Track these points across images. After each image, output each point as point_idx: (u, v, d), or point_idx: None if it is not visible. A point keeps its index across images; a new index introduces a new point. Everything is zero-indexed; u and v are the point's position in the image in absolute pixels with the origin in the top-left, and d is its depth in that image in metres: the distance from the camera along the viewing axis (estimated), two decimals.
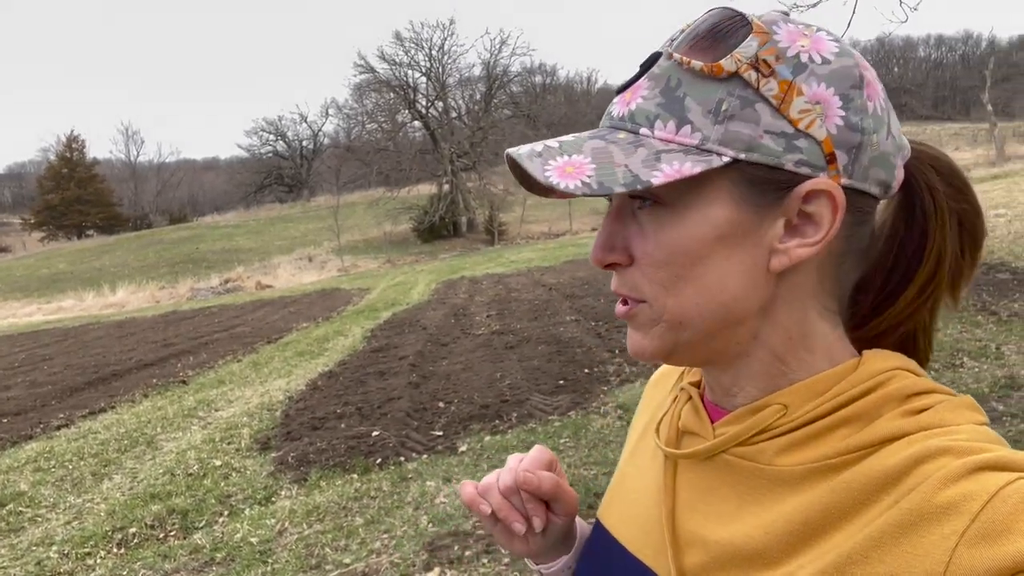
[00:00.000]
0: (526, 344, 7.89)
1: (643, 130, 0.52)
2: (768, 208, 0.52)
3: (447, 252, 31.65)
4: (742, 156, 0.50)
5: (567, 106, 57.05)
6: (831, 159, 0.51)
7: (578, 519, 0.76)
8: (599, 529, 0.69)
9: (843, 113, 0.51)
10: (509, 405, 5.68)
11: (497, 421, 5.37)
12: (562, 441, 4.80)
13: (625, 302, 0.57)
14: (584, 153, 0.53)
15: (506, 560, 3.37)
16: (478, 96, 42.82)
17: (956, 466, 0.44)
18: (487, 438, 5.07)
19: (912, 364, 0.55)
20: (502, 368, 6.90)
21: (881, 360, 0.54)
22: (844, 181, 0.51)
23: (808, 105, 0.50)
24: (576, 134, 0.56)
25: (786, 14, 0.55)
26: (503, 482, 0.68)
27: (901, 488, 0.46)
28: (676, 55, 0.53)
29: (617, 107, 0.55)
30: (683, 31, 0.55)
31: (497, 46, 42.46)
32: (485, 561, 3.39)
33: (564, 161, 0.52)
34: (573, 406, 5.51)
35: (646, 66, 0.55)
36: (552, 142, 0.55)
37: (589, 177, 0.51)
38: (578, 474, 4.20)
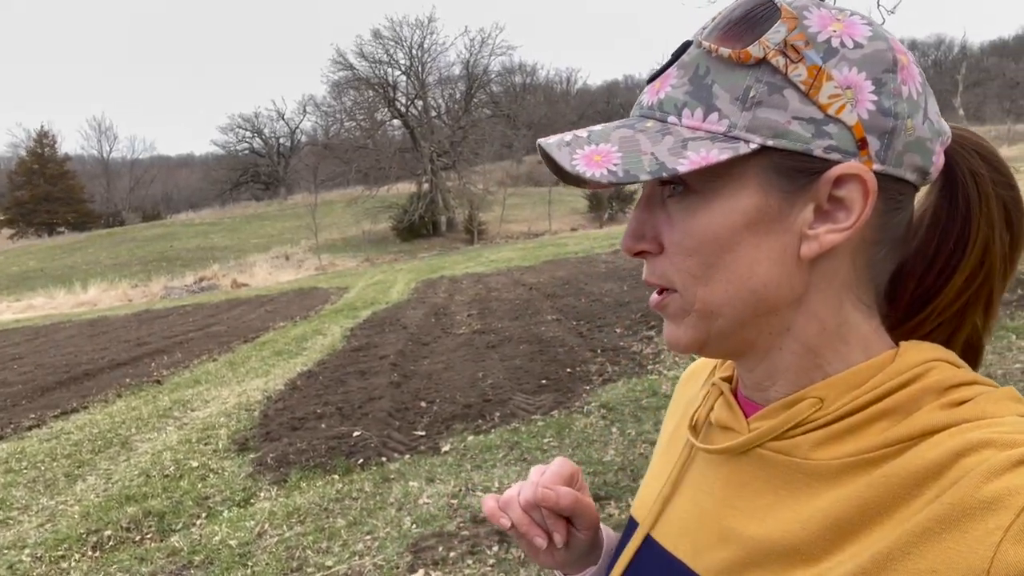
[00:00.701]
0: (508, 344, 7.86)
1: (671, 118, 0.52)
2: (797, 194, 0.51)
3: (426, 251, 31.53)
4: (770, 142, 0.50)
5: (547, 106, 57.13)
6: (862, 144, 0.50)
7: (604, 527, 0.76)
8: (632, 524, 0.68)
9: (875, 98, 0.50)
10: (492, 405, 5.65)
11: (480, 421, 5.34)
12: (545, 441, 4.78)
13: (659, 292, 0.57)
14: (611, 142, 0.53)
15: (491, 561, 3.34)
16: (458, 95, 42.72)
17: (1000, 459, 0.43)
18: (470, 438, 5.03)
19: (951, 355, 0.54)
20: (484, 368, 6.87)
21: (919, 351, 0.53)
22: (876, 167, 0.50)
23: (838, 90, 0.49)
24: (606, 124, 0.56)
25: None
26: (524, 497, 0.69)
27: (942, 482, 0.45)
28: (705, 43, 0.52)
29: (647, 96, 0.55)
30: (714, 19, 0.54)
31: (477, 45, 42.42)
32: (470, 562, 3.36)
33: (591, 150, 0.52)
34: (556, 405, 5.50)
35: (677, 55, 0.54)
36: (581, 132, 0.55)
37: (615, 165, 0.51)
38: None
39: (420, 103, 41.05)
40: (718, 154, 0.49)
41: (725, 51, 0.51)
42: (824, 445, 0.52)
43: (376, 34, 39.37)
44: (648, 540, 0.64)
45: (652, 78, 0.56)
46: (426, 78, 40.80)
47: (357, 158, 39.00)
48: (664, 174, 0.50)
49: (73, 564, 3.89)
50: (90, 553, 3.99)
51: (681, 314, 0.55)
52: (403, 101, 40.68)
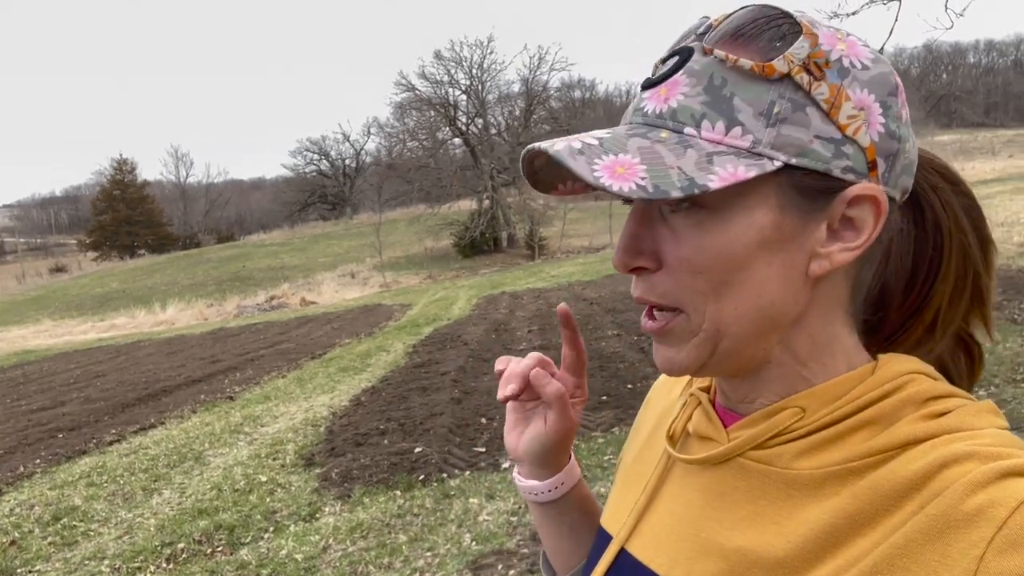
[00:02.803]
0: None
1: (688, 129, 0.50)
2: (813, 213, 0.51)
3: (487, 267, 31.75)
4: (793, 161, 0.49)
5: (607, 120, 56.98)
6: (872, 166, 0.51)
7: (583, 483, 0.78)
8: (604, 537, 0.67)
9: (883, 120, 0.51)
10: None
11: None
12: (606, 458, 4.73)
13: (652, 316, 0.55)
14: (631, 152, 0.50)
15: None
16: (517, 112, 43.06)
17: (982, 471, 0.44)
18: None
19: (929, 368, 0.54)
20: None
21: (898, 363, 0.53)
22: (882, 188, 0.51)
23: (855, 111, 0.50)
24: (609, 130, 0.54)
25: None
26: (524, 363, 0.71)
27: (926, 493, 0.45)
28: (718, 52, 0.50)
29: (650, 103, 0.53)
30: (714, 25, 0.52)
31: (536, 62, 42.69)
32: None
33: (612, 160, 0.50)
34: (616, 422, 5.44)
35: (681, 60, 0.52)
36: (589, 138, 0.52)
37: (643, 179, 0.48)
38: None
39: (480, 121, 41.54)
40: (745, 171, 0.48)
41: (746, 63, 0.49)
42: (806, 455, 0.52)
43: (438, 55, 40.10)
44: (623, 553, 0.63)
45: (651, 84, 0.54)
46: (486, 96, 41.29)
47: (419, 177, 39.66)
48: (696, 191, 0.47)
49: (149, 575, 4.04)
50: (164, 565, 4.14)
51: (686, 336, 0.54)
52: (463, 120, 41.25)
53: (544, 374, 0.69)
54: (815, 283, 0.53)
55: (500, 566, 3.51)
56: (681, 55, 0.52)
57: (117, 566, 4.17)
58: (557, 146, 0.51)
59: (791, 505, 0.51)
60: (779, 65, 0.49)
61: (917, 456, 0.47)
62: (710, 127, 0.50)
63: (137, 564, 4.17)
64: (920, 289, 0.59)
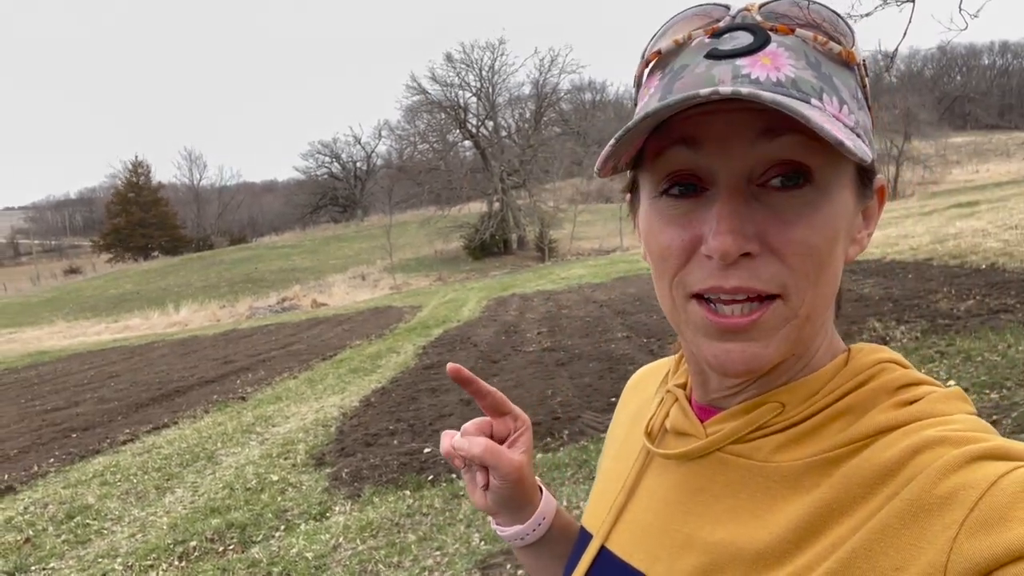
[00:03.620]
0: (577, 361, 7.84)
1: (814, 100, 0.48)
2: (861, 198, 0.54)
3: (497, 269, 31.78)
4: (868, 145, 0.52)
5: (617, 122, 56.90)
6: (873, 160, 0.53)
7: (562, 510, 0.77)
8: (584, 536, 0.68)
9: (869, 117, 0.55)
10: (561, 422, 5.65)
11: (549, 439, 5.34)
12: None
13: (746, 305, 0.50)
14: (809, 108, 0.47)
15: None
16: (528, 114, 43.10)
17: (954, 456, 0.45)
18: (539, 456, 5.03)
19: (897, 356, 0.55)
20: (553, 385, 6.87)
21: (869, 353, 0.55)
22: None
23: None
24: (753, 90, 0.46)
25: None
26: (454, 441, 0.71)
27: (899, 479, 0.46)
28: (801, 31, 0.50)
29: (758, 70, 0.48)
30: (790, 10, 0.51)
31: (546, 65, 42.72)
32: None
33: (819, 110, 0.48)
34: None
35: (761, 36, 0.49)
36: (744, 88, 0.46)
37: (844, 135, 0.46)
38: None
39: (490, 123, 41.62)
40: (868, 150, 0.48)
41: (836, 47, 0.50)
42: (785, 448, 0.53)
43: (448, 58, 40.21)
44: (603, 551, 0.63)
45: (736, 54, 0.49)
46: (496, 99, 41.36)
47: (430, 179, 39.78)
48: (867, 159, 0.47)
49: (160, 574, 4.08)
50: (177, 563, 4.18)
51: (779, 325, 0.50)
52: (474, 122, 41.34)
53: (460, 445, 0.69)
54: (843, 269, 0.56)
55: (508, 566, 3.53)
56: (751, 30, 0.50)
57: (130, 564, 4.21)
58: (780, 97, 0.45)
59: (771, 497, 0.52)
60: (857, 54, 0.52)
61: (890, 443, 0.48)
62: (831, 101, 0.49)
63: (149, 562, 4.22)
64: None
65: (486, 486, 0.70)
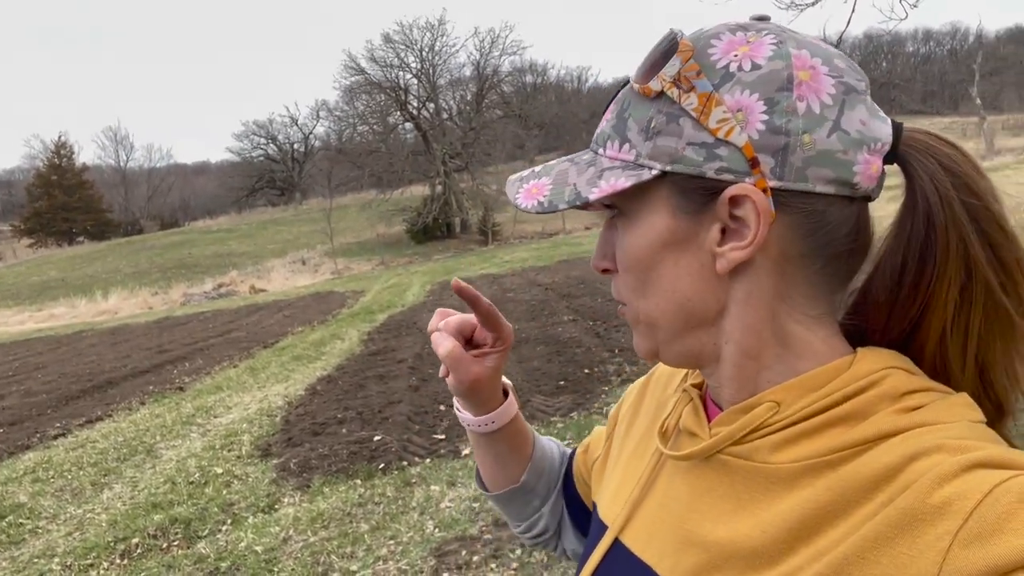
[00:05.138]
0: (525, 345, 7.87)
1: (600, 150, 0.58)
2: (702, 215, 0.54)
3: (441, 253, 31.60)
4: (668, 168, 0.54)
5: (558, 106, 57.07)
6: (754, 163, 0.52)
7: (519, 422, 0.87)
8: (600, 526, 0.70)
9: (766, 117, 0.51)
10: None
11: None
12: (566, 443, 4.78)
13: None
14: (550, 175, 0.61)
15: (514, 565, 3.36)
16: (469, 97, 42.77)
17: (949, 464, 0.45)
18: None
19: (907, 363, 0.54)
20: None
21: (875, 358, 0.54)
22: (773, 183, 0.52)
23: (727, 114, 0.52)
24: (563, 158, 0.63)
25: (763, 18, 0.56)
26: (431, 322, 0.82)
27: (895, 486, 0.46)
28: (632, 80, 0.57)
29: (599, 127, 0.60)
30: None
31: (487, 46, 42.41)
32: (493, 566, 3.38)
33: (533, 184, 0.61)
34: (575, 407, 5.50)
35: (617, 91, 0.60)
36: (539, 167, 0.63)
37: (544, 196, 0.59)
38: None
39: (432, 105, 41.15)
40: (625, 181, 0.55)
41: (636, 86, 0.56)
42: (781, 448, 0.53)
43: (387, 38, 39.47)
44: (616, 543, 0.66)
45: (603, 112, 0.61)
46: (437, 80, 40.89)
47: (370, 162, 39.12)
48: (578, 202, 0.57)
49: (102, 572, 3.95)
50: (119, 561, 4.05)
51: (635, 325, 0.61)
52: (415, 104, 40.78)
53: (434, 340, 0.79)
54: (733, 280, 0.55)
55: (464, 552, 3.54)
56: (621, 86, 0.59)
57: (69, 563, 4.06)
58: (513, 176, 0.65)
59: (770, 498, 0.53)
60: (654, 85, 0.54)
61: (888, 449, 0.48)
62: (611, 146, 0.57)
63: (89, 561, 4.07)
64: (909, 292, 0.55)
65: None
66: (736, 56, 0.53)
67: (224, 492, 4.87)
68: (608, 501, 0.72)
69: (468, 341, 0.81)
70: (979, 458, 0.45)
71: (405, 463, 4.87)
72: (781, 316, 0.55)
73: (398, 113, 40.62)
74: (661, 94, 0.54)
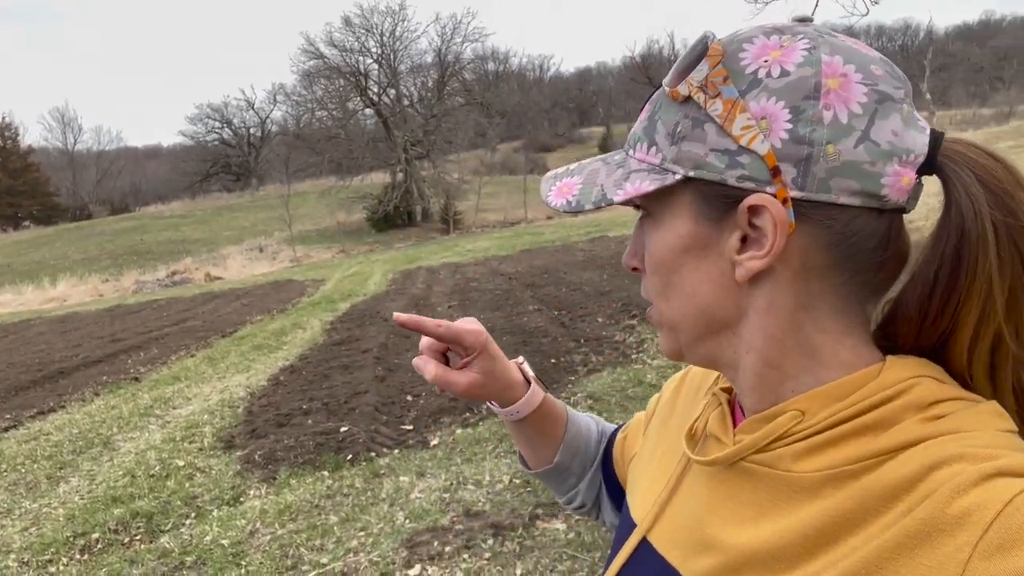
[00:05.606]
0: (491, 335, 7.85)
1: (630, 151, 0.59)
2: (723, 222, 0.55)
3: (402, 241, 31.36)
4: (691, 173, 0.54)
5: (520, 94, 56.96)
6: (775, 173, 0.51)
7: (548, 406, 0.91)
8: (629, 524, 0.71)
9: (790, 126, 0.51)
10: None
11: (468, 414, 5.35)
12: None
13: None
14: (582, 175, 0.62)
15: (487, 555, 3.36)
16: (430, 83, 42.39)
17: (970, 473, 0.44)
18: (459, 431, 5.05)
19: (938, 371, 0.53)
20: None
21: (903, 367, 0.53)
22: (795, 194, 0.51)
23: (751, 121, 0.52)
24: (597, 157, 0.64)
25: (805, 19, 0.56)
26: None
27: (915, 495, 0.46)
28: (664, 82, 0.58)
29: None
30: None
31: (448, 32, 42.05)
32: (466, 556, 3.38)
33: (565, 182, 0.63)
34: None
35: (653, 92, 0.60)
36: (574, 164, 0.65)
37: (573, 196, 0.60)
38: None
39: (392, 92, 40.68)
40: (648, 185, 0.56)
41: (667, 90, 0.57)
42: (805, 457, 0.53)
43: (347, 22, 38.96)
44: (644, 542, 0.67)
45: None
46: (398, 66, 40.43)
47: (329, 148, 38.53)
48: (603, 203, 0.58)
49: (62, 568, 3.84)
50: (78, 556, 3.95)
51: (659, 326, 0.63)
52: (375, 90, 40.26)
53: (419, 364, 0.83)
54: (753, 288, 0.55)
55: (436, 543, 3.53)
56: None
57: (26, 559, 3.94)
58: (550, 173, 0.66)
59: (791, 506, 0.53)
60: (682, 89, 0.55)
61: (909, 458, 0.48)
62: (641, 148, 0.58)
63: (48, 556, 3.96)
64: (938, 307, 0.54)
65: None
66: (766, 62, 0.52)
67: (187, 485, 4.77)
68: (639, 499, 0.73)
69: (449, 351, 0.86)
70: (1000, 467, 0.44)
71: (373, 454, 4.84)
72: (806, 326, 0.55)
73: (358, 99, 40.08)
74: (688, 98, 0.55)
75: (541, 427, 0.91)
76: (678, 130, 0.55)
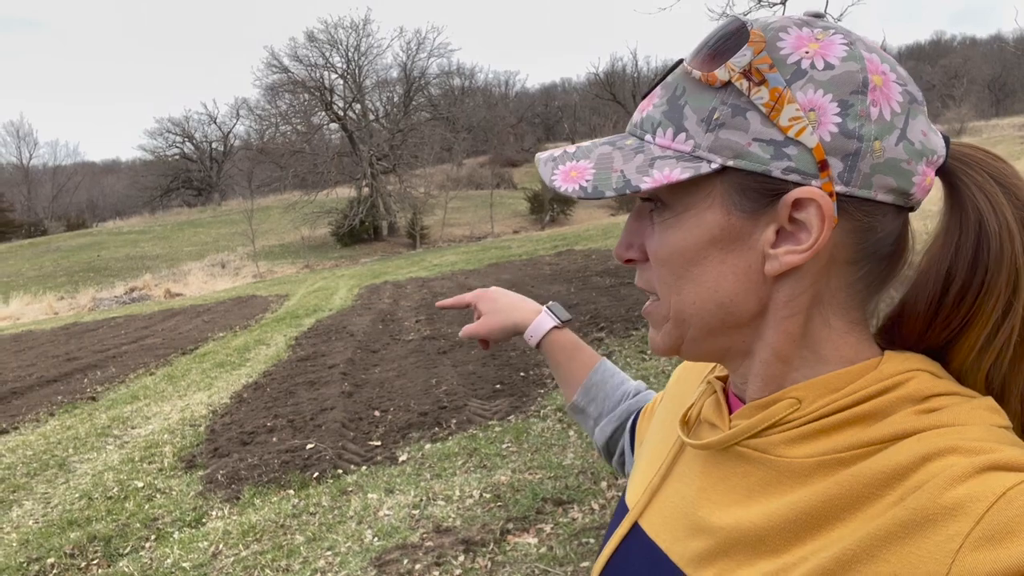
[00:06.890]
0: (459, 349, 7.82)
1: (648, 137, 0.56)
2: (759, 214, 0.53)
3: (368, 256, 31.13)
4: (730, 163, 0.51)
5: (486, 109, 57.18)
6: (823, 166, 0.50)
7: (556, 338, 1.07)
8: (623, 509, 0.71)
9: (839, 120, 0.50)
10: (447, 411, 5.62)
11: (436, 428, 5.30)
12: (504, 446, 4.77)
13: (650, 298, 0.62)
14: (591, 159, 0.57)
15: (458, 571, 3.31)
16: (396, 98, 42.34)
17: (963, 465, 0.44)
18: (427, 446, 4.98)
19: (935, 366, 0.54)
20: (437, 374, 6.82)
21: (901, 361, 0.54)
22: (840, 188, 0.51)
23: (799, 112, 0.50)
24: (597, 139, 0.60)
25: (819, 15, 0.55)
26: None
27: (907, 485, 0.46)
28: (687, 65, 0.55)
29: (636, 114, 0.59)
30: (701, 41, 0.56)
31: (414, 47, 42.09)
32: (436, 573, 3.32)
33: (571, 165, 0.57)
34: (512, 410, 5.50)
35: (666, 74, 0.57)
36: (572, 147, 0.60)
37: (587, 181, 0.55)
38: (523, 479, 4.18)
39: (358, 106, 40.50)
40: (680, 173, 0.52)
41: (697, 73, 0.53)
42: (798, 443, 0.53)
43: (311, 36, 38.69)
44: (635, 527, 0.67)
45: (645, 95, 0.58)
46: (363, 81, 40.30)
47: (294, 163, 38.17)
48: (628, 191, 0.53)
49: None
50: None
51: (661, 320, 0.60)
52: (340, 105, 40.05)
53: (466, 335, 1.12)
54: (777, 282, 0.54)
55: (405, 560, 3.46)
56: (669, 70, 0.57)
57: None
58: (544, 153, 0.60)
59: (781, 490, 0.53)
60: (720, 74, 0.52)
61: (903, 449, 0.48)
62: (663, 133, 0.54)
63: None
64: (954, 302, 0.54)
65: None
66: (807, 53, 0.51)
67: (146, 507, 4.63)
68: (633, 485, 0.73)
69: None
70: (994, 460, 0.44)
71: (340, 471, 4.75)
72: (815, 320, 0.55)
73: (323, 113, 39.85)
74: (728, 84, 0.52)
75: (558, 358, 1.06)
76: (715, 117, 0.52)
